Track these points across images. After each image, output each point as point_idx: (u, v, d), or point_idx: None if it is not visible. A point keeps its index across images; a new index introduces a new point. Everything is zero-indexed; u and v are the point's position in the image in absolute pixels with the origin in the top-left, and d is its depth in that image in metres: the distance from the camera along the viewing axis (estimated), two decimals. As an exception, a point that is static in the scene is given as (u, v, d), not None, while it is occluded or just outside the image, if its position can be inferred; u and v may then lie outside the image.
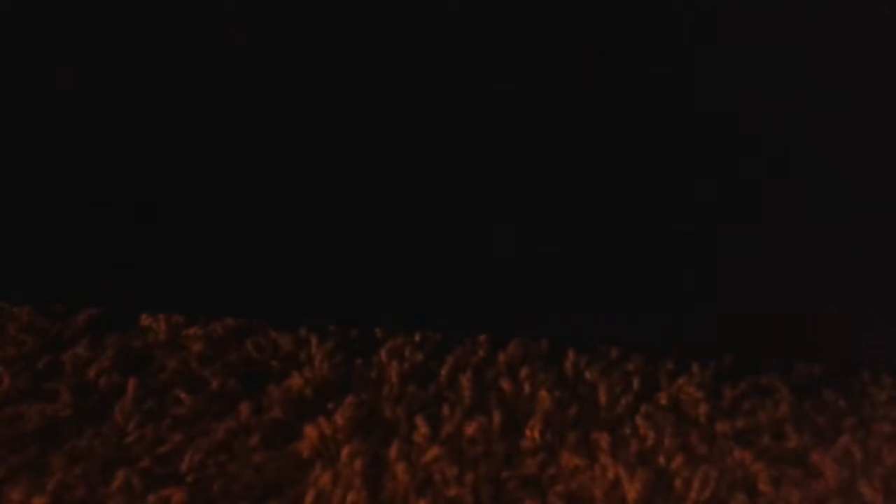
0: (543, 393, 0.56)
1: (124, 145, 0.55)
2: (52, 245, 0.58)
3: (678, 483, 0.51)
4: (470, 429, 0.54)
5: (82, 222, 0.57)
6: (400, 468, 0.51)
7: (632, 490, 0.50)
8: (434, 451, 0.52)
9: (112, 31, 0.52)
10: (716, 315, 0.58)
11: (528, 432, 0.54)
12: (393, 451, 0.52)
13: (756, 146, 0.54)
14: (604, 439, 0.53)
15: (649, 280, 0.58)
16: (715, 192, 0.56)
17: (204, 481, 0.50)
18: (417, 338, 0.59)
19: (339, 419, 0.53)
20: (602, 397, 0.56)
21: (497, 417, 0.54)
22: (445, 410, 0.55)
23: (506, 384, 0.57)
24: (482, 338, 0.59)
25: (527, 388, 0.56)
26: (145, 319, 0.59)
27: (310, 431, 0.52)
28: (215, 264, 0.58)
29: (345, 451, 0.51)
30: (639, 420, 0.54)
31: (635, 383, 0.57)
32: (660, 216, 0.56)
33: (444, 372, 0.57)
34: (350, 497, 0.49)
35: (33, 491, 0.49)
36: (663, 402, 0.56)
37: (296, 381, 0.55)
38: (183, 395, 0.54)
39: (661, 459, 0.52)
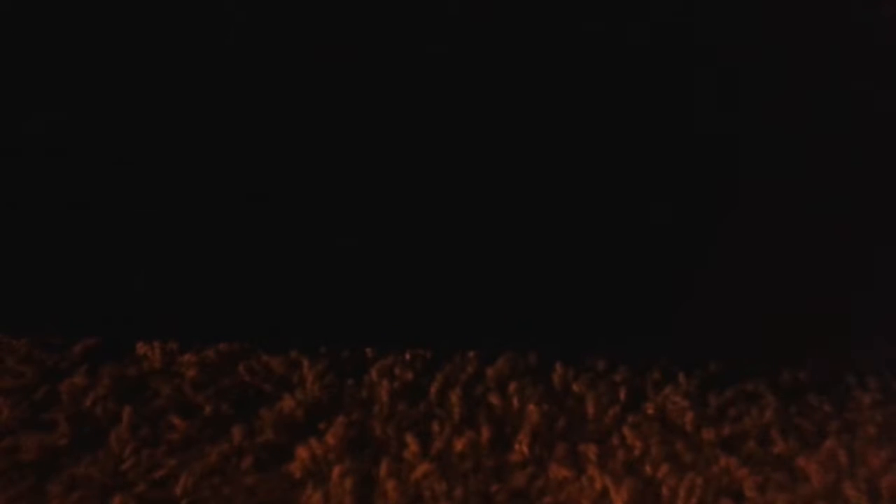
0: (532, 407, 0.57)
1: (118, 182, 0.57)
2: (48, 279, 0.60)
3: (665, 491, 0.52)
4: (459, 444, 0.54)
5: (78, 256, 0.59)
6: (390, 485, 0.52)
7: (619, 500, 0.51)
8: (424, 468, 0.53)
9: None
10: (701, 324, 0.59)
11: (516, 446, 0.54)
12: (383, 468, 0.53)
13: (748, 157, 0.55)
14: (591, 450, 0.54)
15: (634, 291, 0.59)
16: (701, 203, 0.57)
17: (198, 504, 0.51)
18: (408, 356, 0.60)
19: (330, 439, 0.54)
20: (590, 409, 0.57)
21: (486, 432, 0.55)
22: (435, 427, 0.55)
23: (495, 399, 0.57)
24: (471, 354, 0.60)
25: (515, 402, 0.57)
26: (141, 348, 0.60)
27: (301, 452, 0.53)
28: (207, 291, 0.59)
29: (335, 471, 0.52)
30: (626, 430, 0.55)
31: (622, 394, 0.57)
32: (644, 228, 0.57)
33: (433, 389, 0.58)
34: (341, 515, 0.50)
35: (32, 519, 0.50)
36: (650, 411, 0.56)
37: (287, 403, 0.56)
38: (177, 421, 0.55)
39: (648, 468, 0.53)
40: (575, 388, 0.58)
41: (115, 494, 0.51)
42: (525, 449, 0.54)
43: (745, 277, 0.58)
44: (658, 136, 0.55)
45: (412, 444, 0.54)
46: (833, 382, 0.58)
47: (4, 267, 0.60)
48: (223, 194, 0.57)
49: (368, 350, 0.60)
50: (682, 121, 0.54)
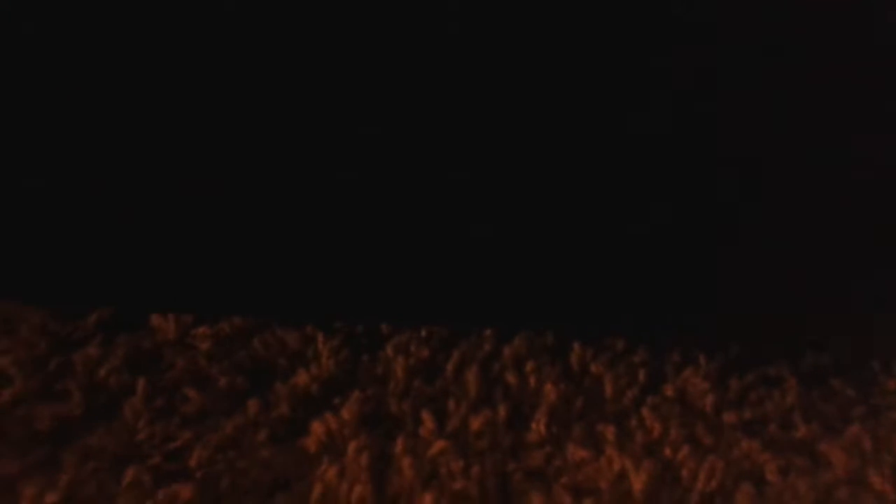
0: (549, 386, 0.56)
1: (133, 153, 0.56)
2: (63, 249, 0.59)
3: (684, 474, 0.51)
4: (476, 422, 0.54)
5: (93, 227, 0.58)
6: (406, 462, 0.51)
7: (638, 481, 0.50)
8: (440, 445, 0.52)
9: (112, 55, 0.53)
10: (722, 306, 0.58)
11: (533, 425, 0.54)
12: (399, 445, 0.52)
13: (757, 148, 0.54)
14: (610, 431, 0.53)
15: (655, 272, 0.58)
16: (720, 190, 0.56)
17: (212, 477, 0.50)
18: (423, 333, 0.59)
19: (345, 415, 0.54)
20: (608, 389, 0.56)
21: (503, 411, 0.55)
22: (451, 405, 0.55)
23: (511, 378, 0.57)
24: (488, 332, 0.59)
25: (532, 381, 0.56)
26: (155, 319, 0.60)
27: (316, 427, 0.53)
28: (223, 264, 0.59)
29: (351, 446, 0.52)
30: (645, 412, 0.54)
31: (641, 375, 0.57)
32: (665, 213, 0.56)
33: (450, 366, 0.57)
34: (356, 491, 0.49)
35: (46, 488, 0.50)
36: (669, 393, 0.56)
37: (302, 377, 0.56)
38: (192, 393, 0.55)
39: (668, 451, 0.52)
40: (593, 368, 0.57)
41: (130, 465, 0.51)
42: (542, 428, 0.54)
43: (767, 260, 0.57)
44: (675, 133, 0.54)
45: (428, 421, 0.54)
46: (857, 367, 0.57)
47: (20, 238, 0.59)
48: (240, 170, 0.56)
49: (384, 326, 0.60)
50: (698, 121, 0.53)
